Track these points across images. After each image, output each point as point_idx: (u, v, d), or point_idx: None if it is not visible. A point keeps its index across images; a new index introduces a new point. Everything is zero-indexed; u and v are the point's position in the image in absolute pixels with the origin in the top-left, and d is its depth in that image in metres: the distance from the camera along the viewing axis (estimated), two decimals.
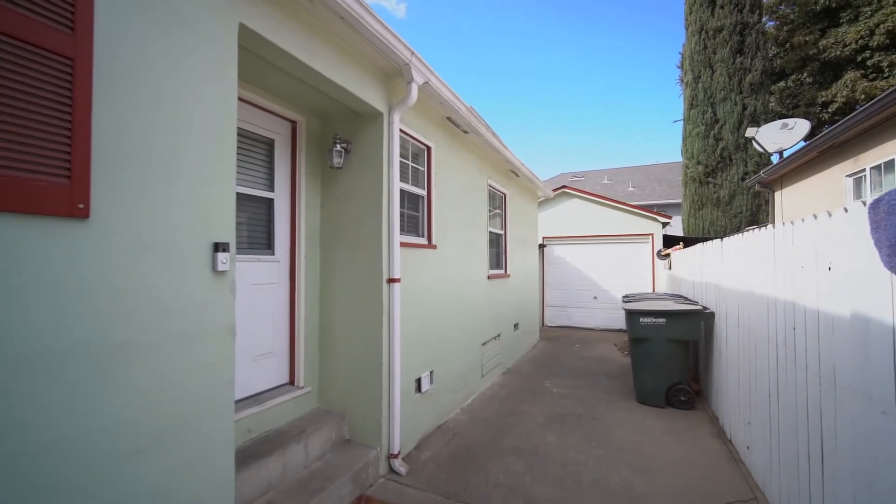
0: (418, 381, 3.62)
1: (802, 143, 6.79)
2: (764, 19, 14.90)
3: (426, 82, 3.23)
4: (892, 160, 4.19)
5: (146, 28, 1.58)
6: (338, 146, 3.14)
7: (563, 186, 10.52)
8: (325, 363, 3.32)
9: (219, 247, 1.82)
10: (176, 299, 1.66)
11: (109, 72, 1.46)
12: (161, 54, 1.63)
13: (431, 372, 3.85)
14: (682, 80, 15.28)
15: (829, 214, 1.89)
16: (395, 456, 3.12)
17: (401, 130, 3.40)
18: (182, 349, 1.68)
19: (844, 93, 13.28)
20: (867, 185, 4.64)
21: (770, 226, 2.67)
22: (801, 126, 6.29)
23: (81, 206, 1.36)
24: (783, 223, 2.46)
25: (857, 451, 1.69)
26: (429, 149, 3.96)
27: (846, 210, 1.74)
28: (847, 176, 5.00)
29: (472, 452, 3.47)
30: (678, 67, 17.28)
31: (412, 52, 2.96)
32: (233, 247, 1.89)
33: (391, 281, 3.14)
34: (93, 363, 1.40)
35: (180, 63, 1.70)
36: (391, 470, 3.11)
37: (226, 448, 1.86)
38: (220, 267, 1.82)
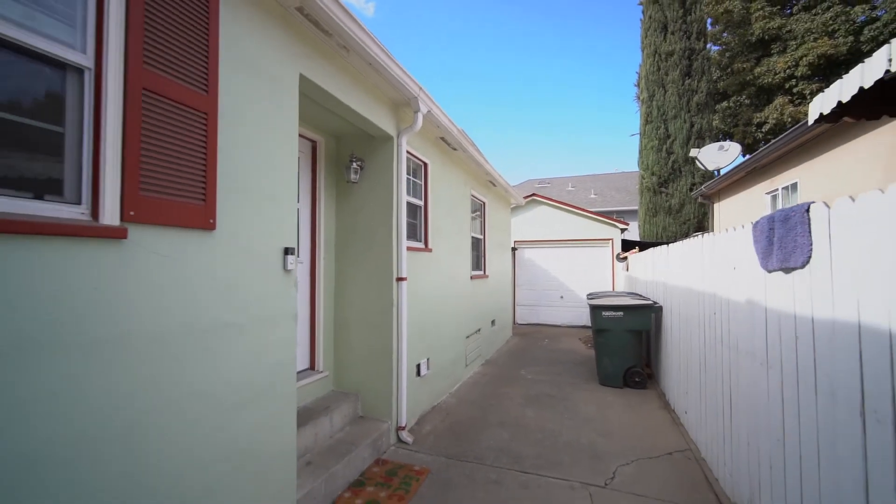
0: (418, 366, 4.19)
1: (741, 159, 7.92)
2: (709, 46, 16.54)
3: (429, 111, 3.82)
4: (796, 183, 5.22)
5: (247, 85, 2.08)
6: (354, 164, 3.66)
7: (533, 194, 11.37)
8: (339, 351, 3.82)
9: (287, 251, 2.33)
10: (262, 291, 2.16)
11: (225, 121, 1.95)
12: (254, 104, 2.13)
13: (428, 359, 4.42)
14: (639, 98, 16.67)
15: (734, 229, 2.65)
16: (403, 428, 3.67)
17: (406, 151, 3.97)
18: (265, 330, 2.18)
19: (775, 115, 15.02)
20: (780, 201, 5.69)
21: (701, 235, 3.45)
22: (734, 148, 7.40)
23: (211, 220, 1.85)
24: (713, 232, 3.23)
25: (748, 397, 2.43)
26: (426, 165, 4.54)
27: (742, 227, 2.49)
28: (766, 193, 6.06)
29: (464, 426, 4.08)
30: (635, 86, 18.73)
31: (420, 88, 3.54)
32: (296, 251, 2.40)
33: (399, 280, 3.70)
34: (217, 337, 1.89)
35: (264, 109, 2.21)
36: (399, 440, 3.65)
37: (291, 409, 2.37)
38: (289, 266, 2.33)
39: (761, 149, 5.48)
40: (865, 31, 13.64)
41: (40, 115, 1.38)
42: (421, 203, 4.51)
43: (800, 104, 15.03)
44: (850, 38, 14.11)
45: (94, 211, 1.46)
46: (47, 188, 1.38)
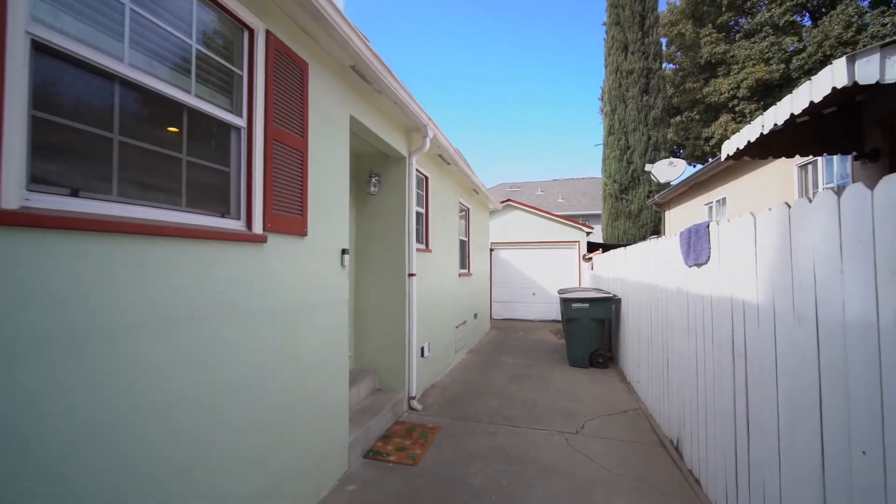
0: (422, 348, 4.96)
1: (688, 173, 9.19)
2: (665, 65, 18.23)
3: (434, 136, 4.60)
4: (725, 198, 6.42)
5: (321, 127, 2.80)
6: (373, 179, 4.39)
7: (509, 200, 12.34)
8: (358, 335, 4.53)
9: (344, 251, 3.06)
10: (329, 280, 2.88)
11: (311, 155, 2.67)
12: (325, 141, 2.85)
13: (429, 343, 5.20)
14: (603, 111, 18.10)
15: (669, 237, 3.60)
16: (413, 398, 4.44)
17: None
18: (330, 310, 2.90)
19: (720, 131, 16.79)
20: (714, 211, 6.88)
21: (653, 239, 4.42)
22: (681, 164, 8.63)
23: (305, 229, 2.56)
24: (658, 238, 4.20)
25: (678, 359, 3.38)
26: (427, 178, 5.32)
27: (674, 234, 3.44)
28: (704, 204, 7.26)
29: (462, 398, 4.89)
30: (600, 100, 20.17)
31: (429, 118, 4.32)
32: (349, 251, 3.13)
33: (410, 275, 4.46)
34: (306, 313, 2.61)
35: (329, 144, 2.93)
36: (411, 408, 4.41)
37: (345, 372, 3.09)
38: (344, 263, 3.06)
39: (700, 169, 6.64)
40: (794, 61, 15.56)
41: (219, 161, 2.07)
42: (423, 210, 5.28)
43: (741, 122, 16.87)
44: (783, 65, 16.03)
45: (248, 224, 2.15)
46: (224, 209, 2.08)
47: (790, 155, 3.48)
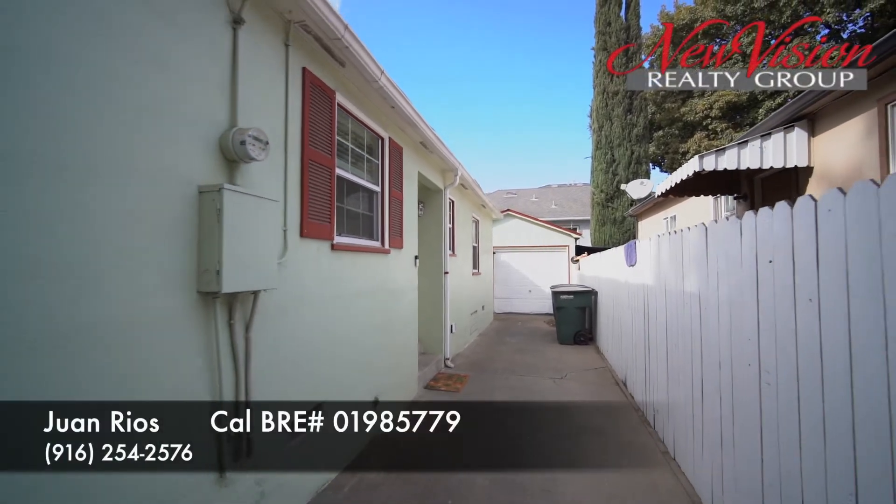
0: (451, 326, 6.81)
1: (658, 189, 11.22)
2: None
3: (461, 174, 6.47)
4: (675, 215, 8.38)
5: (407, 182, 4.65)
6: (420, 206, 6.25)
7: (508, 209, 14.24)
8: None
9: (416, 257, 4.91)
10: (409, 276, 4.73)
11: (404, 201, 4.52)
12: (407, 190, 4.71)
13: (455, 323, 7.06)
14: (591, 127, 20.09)
15: (619, 246, 5.49)
16: (447, 360, 6.30)
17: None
18: (410, 293, 4.75)
19: (695, 147, 18.81)
20: (669, 224, 8.84)
21: (614, 248, 6.29)
22: (649, 184, 10.56)
23: (402, 245, 4.42)
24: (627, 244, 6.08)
25: (627, 329, 5.26)
26: (453, 201, 7.19)
27: (620, 246, 5.33)
28: (663, 219, 9.22)
29: (480, 362, 6.76)
30: (588, 117, 22.13)
31: (459, 163, 6.19)
32: (418, 257, 4.99)
33: (445, 273, 6.32)
34: (400, 294, 4.46)
35: (409, 192, 4.78)
36: (446, 366, 6.27)
37: (416, 332, 4.95)
38: (416, 265, 4.92)
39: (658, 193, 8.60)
40: None
41: (369, 210, 3.92)
42: (451, 226, 7.15)
43: (713, 139, 18.95)
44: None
45: (382, 243, 4.01)
46: (371, 236, 3.93)
47: (698, 195, 5.38)
